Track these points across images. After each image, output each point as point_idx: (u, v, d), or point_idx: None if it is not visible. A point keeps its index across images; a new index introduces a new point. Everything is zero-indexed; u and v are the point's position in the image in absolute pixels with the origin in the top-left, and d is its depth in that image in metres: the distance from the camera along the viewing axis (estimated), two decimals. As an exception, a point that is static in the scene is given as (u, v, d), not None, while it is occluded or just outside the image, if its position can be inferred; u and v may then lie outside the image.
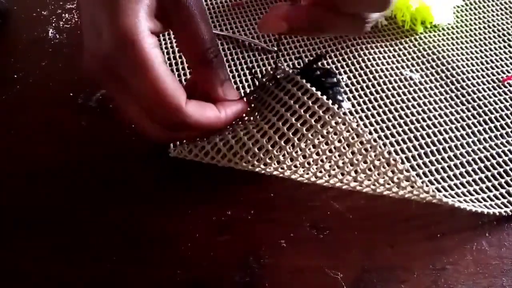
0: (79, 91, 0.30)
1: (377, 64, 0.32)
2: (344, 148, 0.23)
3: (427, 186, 0.23)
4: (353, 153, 0.23)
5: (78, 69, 0.32)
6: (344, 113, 0.25)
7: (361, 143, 0.23)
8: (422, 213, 0.24)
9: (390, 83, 0.31)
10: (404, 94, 0.30)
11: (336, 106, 0.23)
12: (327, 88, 0.27)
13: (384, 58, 0.33)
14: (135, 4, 0.20)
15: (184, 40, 0.22)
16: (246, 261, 0.22)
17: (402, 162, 0.26)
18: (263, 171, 0.25)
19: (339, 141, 0.23)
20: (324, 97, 0.23)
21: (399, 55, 0.33)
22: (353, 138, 0.23)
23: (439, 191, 0.25)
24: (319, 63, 0.31)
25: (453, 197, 0.25)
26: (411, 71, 0.32)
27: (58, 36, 0.34)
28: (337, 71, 0.32)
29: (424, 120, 0.29)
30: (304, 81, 0.23)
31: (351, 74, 0.32)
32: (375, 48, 0.34)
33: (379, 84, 0.31)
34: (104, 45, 0.20)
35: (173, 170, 0.26)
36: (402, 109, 0.29)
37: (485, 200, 0.25)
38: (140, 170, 0.26)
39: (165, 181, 0.26)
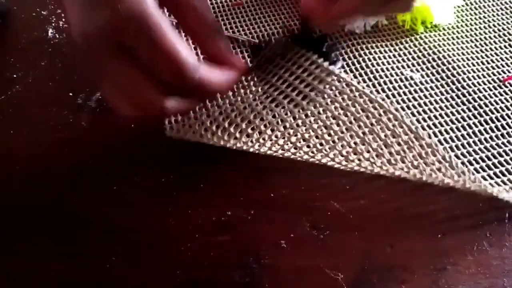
0: (79, 91, 0.30)
1: (377, 64, 0.32)
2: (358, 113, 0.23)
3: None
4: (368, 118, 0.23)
5: (78, 69, 0.32)
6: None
7: (379, 113, 0.22)
8: (422, 213, 0.24)
9: (391, 82, 0.31)
10: (405, 94, 0.31)
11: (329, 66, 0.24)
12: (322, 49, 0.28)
13: (385, 58, 0.33)
14: None
15: (188, 14, 0.23)
16: (246, 261, 0.23)
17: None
18: (263, 147, 0.25)
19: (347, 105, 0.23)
20: (322, 61, 0.24)
21: (399, 55, 0.33)
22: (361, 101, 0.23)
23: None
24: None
25: None
26: (411, 71, 0.32)
27: (57, 36, 0.34)
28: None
29: (424, 120, 0.29)
30: (306, 52, 0.25)
31: (351, 74, 0.32)
32: (375, 48, 0.34)
33: (379, 84, 0.31)
34: (107, 13, 0.19)
35: (173, 170, 0.26)
36: (403, 109, 0.29)
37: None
38: (140, 170, 0.26)
39: (165, 181, 0.26)
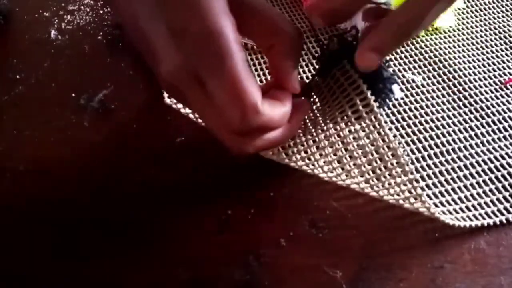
0: (81, 92, 0.32)
1: (379, 66, 0.34)
2: (368, 147, 0.25)
3: (428, 203, 0.24)
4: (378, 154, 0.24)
5: (80, 70, 0.34)
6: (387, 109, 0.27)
7: (388, 147, 0.24)
8: (420, 212, 0.26)
9: (392, 85, 0.33)
10: (407, 97, 0.32)
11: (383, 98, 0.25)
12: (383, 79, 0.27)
13: (386, 60, 0.35)
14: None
15: (259, 23, 0.23)
16: (245, 259, 0.24)
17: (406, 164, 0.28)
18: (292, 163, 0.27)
19: (367, 137, 0.24)
20: (369, 94, 0.24)
21: (400, 58, 0.35)
22: (382, 141, 0.24)
23: (442, 195, 0.27)
24: None
25: (455, 201, 0.26)
26: (413, 73, 0.34)
27: (60, 37, 0.36)
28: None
29: (427, 122, 0.31)
30: (357, 76, 0.25)
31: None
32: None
33: (380, 86, 0.33)
34: (188, 46, 0.20)
35: (173, 169, 0.28)
36: (405, 111, 0.31)
37: (487, 205, 0.26)
38: (141, 170, 0.28)
39: (166, 181, 0.27)
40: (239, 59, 0.21)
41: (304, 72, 0.34)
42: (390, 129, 0.27)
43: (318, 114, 0.27)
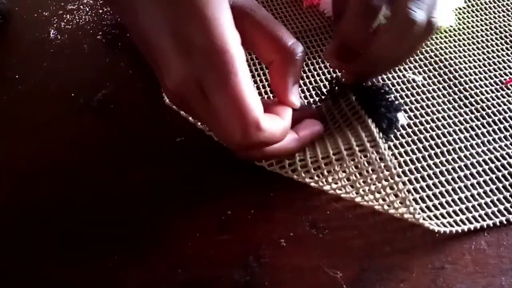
0: (81, 92, 0.32)
1: (380, 66, 0.34)
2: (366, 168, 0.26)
3: (418, 213, 0.25)
4: (373, 170, 0.25)
5: (79, 70, 0.34)
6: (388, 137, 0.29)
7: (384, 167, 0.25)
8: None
9: (393, 85, 0.33)
10: (407, 97, 0.32)
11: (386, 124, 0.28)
12: (383, 105, 0.28)
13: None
14: (221, 13, 0.21)
15: (262, 37, 0.24)
16: (246, 260, 0.24)
17: (406, 164, 0.28)
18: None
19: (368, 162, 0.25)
20: (370, 121, 0.27)
21: (402, 57, 0.35)
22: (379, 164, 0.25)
23: (442, 196, 0.27)
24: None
25: (455, 202, 0.26)
26: (413, 73, 0.34)
27: (59, 37, 0.37)
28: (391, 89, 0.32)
29: (427, 123, 0.31)
30: (360, 107, 0.28)
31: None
32: (377, 50, 0.36)
33: (381, 86, 0.33)
34: (193, 59, 0.21)
35: (174, 169, 0.28)
36: (405, 112, 0.31)
37: (488, 206, 0.26)
38: (140, 170, 0.28)
39: (166, 181, 0.27)
40: (243, 76, 0.21)
41: (309, 81, 0.34)
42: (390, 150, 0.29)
43: (317, 143, 0.28)
